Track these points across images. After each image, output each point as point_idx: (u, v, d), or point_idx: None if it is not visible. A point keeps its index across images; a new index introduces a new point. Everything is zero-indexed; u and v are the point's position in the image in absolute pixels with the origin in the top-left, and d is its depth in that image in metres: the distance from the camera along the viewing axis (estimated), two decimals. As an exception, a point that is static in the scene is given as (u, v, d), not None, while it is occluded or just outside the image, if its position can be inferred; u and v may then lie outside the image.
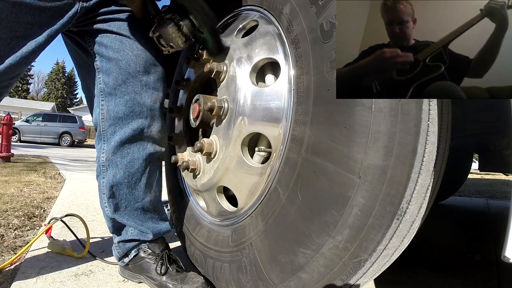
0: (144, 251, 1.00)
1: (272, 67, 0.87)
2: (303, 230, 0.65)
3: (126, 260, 1.01)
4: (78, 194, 2.33)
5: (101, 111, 0.94)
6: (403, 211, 0.55)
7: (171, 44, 0.88)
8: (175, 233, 1.21)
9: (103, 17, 0.90)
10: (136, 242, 1.01)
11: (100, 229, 1.52)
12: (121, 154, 0.94)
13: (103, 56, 0.92)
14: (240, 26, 0.93)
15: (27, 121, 12.68)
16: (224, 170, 0.88)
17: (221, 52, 0.90)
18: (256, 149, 0.87)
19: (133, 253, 1.01)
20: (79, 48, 0.99)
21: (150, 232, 1.00)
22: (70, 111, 32.69)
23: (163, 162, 1.28)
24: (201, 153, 0.93)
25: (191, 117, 1.11)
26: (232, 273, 0.84)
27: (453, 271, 1.29)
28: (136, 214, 0.99)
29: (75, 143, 12.87)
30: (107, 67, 0.92)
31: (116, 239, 1.03)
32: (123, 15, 0.92)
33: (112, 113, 0.92)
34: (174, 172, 1.26)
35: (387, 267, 0.66)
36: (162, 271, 0.95)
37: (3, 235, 1.32)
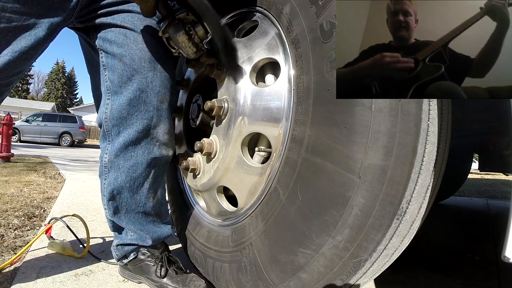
0: (143, 254, 0.99)
1: (272, 67, 0.87)
2: (303, 230, 0.65)
3: (125, 261, 1.01)
4: (78, 194, 2.33)
5: (105, 110, 0.89)
6: (403, 211, 0.55)
7: (180, 51, 0.83)
8: (175, 233, 1.21)
9: (107, 9, 0.85)
10: (135, 246, 0.99)
11: (100, 229, 1.52)
12: (124, 157, 0.90)
13: (107, 52, 0.87)
14: (240, 26, 0.93)
15: (27, 121, 12.68)
16: (224, 170, 0.88)
17: (234, 64, 0.84)
18: (256, 149, 0.87)
19: (132, 255, 1.00)
20: (88, 44, 0.95)
21: (149, 237, 0.98)
22: (70, 111, 32.70)
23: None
24: (201, 153, 0.93)
25: (191, 117, 1.11)
26: (232, 273, 0.84)
27: (453, 271, 1.29)
28: (136, 218, 0.96)
29: (75, 143, 12.87)
30: (111, 64, 0.87)
31: (115, 241, 1.02)
32: (127, 6, 0.86)
33: (115, 112, 0.87)
34: (174, 172, 1.26)
35: (387, 267, 0.66)
36: (162, 274, 0.94)
37: (3, 235, 1.32)
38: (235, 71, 0.86)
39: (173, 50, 0.86)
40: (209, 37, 0.82)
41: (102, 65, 0.89)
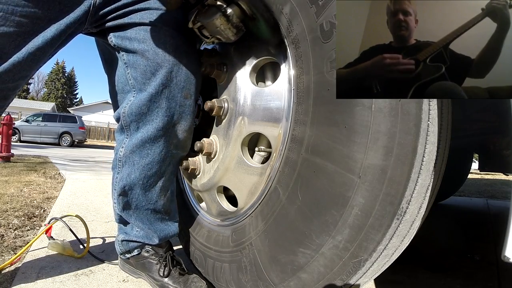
0: (147, 251, 0.98)
1: (272, 67, 0.87)
2: (303, 230, 0.65)
3: (128, 255, 1.01)
4: (78, 194, 2.33)
5: (125, 105, 0.87)
6: (403, 211, 0.55)
7: (218, 36, 0.79)
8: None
9: (123, 10, 0.83)
10: (140, 243, 0.99)
11: (100, 229, 1.52)
12: (140, 154, 0.88)
13: (128, 50, 0.85)
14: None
15: (27, 121, 12.67)
16: (224, 170, 0.88)
17: (279, 34, 0.78)
18: (256, 149, 0.87)
19: (135, 251, 1.00)
20: (107, 44, 0.93)
21: (156, 236, 0.97)
22: (70, 111, 32.64)
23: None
24: (201, 153, 0.93)
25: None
26: (232, 273, 0.84)
27: (453, 271, 1.29)
28: (145, 215, 0.95)
29: (75, 143, 12.87)
30: (133, 61, 0.85)
31: (120, 236, 1.01)
32: (144, 4, 0.84)
33: (135, 108, 0.85)
34: (174, 172, 1.26)
35: (387, 267, 0.66)
36: (165, 273, 0.93)
37: (3, 235, 1.32)
38: (237, 70, 0.86)
39: (207, 40, 0.83)
40: (247, 15, 0.78)
41: (123, 63, 0.87)
